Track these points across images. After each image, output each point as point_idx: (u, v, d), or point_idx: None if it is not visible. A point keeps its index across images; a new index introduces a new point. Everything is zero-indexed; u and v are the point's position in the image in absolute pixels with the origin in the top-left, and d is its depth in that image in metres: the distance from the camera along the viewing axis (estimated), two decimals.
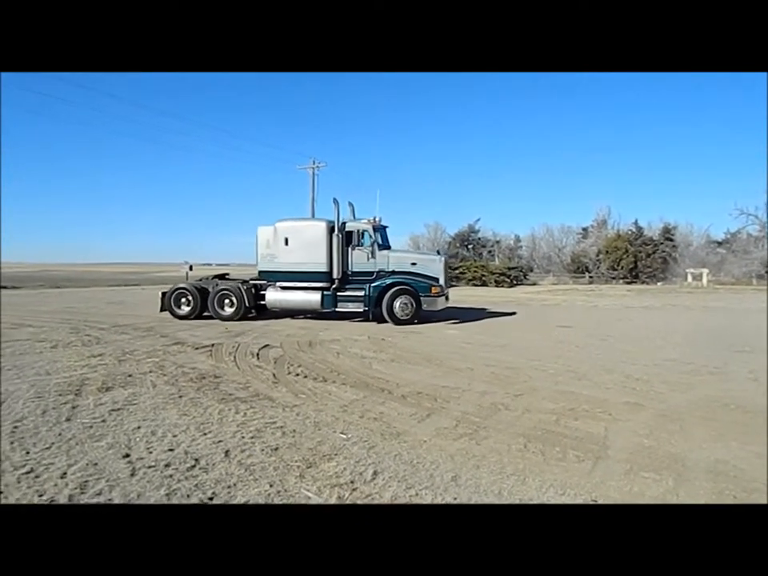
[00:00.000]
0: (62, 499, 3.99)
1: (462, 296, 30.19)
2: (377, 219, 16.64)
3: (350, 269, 16.00)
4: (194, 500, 4.02)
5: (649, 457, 5.03)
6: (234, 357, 10.00)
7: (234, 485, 4.29)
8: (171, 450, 5.08)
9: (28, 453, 4.94)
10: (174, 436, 5.47)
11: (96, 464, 4.68)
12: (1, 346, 10.84)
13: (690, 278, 48.38)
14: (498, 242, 62.11)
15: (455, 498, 4.11)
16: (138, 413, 6.24)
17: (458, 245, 60.21)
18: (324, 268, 15.82)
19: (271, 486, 4.29)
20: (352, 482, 4.39)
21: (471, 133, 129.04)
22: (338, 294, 15.87)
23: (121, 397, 6.92)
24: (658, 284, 50.03)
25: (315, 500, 4.06)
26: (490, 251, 60.28)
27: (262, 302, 16.45)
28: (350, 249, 15.95)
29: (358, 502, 4.05)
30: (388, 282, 15.69)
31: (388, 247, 16.74)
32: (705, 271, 48.39)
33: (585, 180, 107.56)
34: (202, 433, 5.58)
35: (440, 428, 5.86)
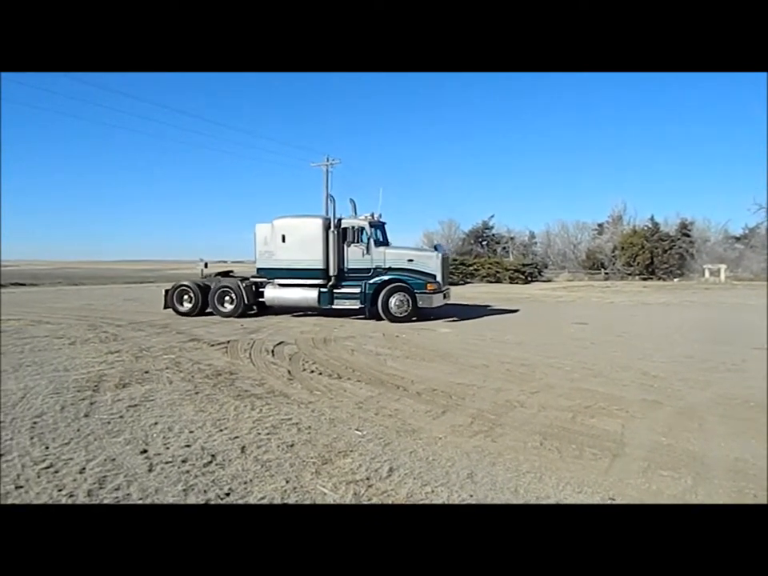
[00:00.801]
0: (81, 494, 4.03)
1: (476, 293, 30.14)
2: (375, 215, 16.59)
3: (346, 266, 15.95)
4: (211, 495, 4.04)
5: (667, 455, 4.98)
6: (250, 353, 10.05)
7: (251, 480, 4.32)
8: (188, 445, 5.12)
9: (47, 448, 5.00)
10: (191, 432, 5.51)
11: (114, 459, 4.73)
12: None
13: (707, 274, 47.86)
14: (512, 238, 61.71)
15: (471, 496, 4.10)
16: (154, 409, 6.30)
17: (472, 241, 60.01)
18: (320, 265, 15.84)
19: (287, 482, 4.30)
20: (368, 479, 4.40)
21: (485, 129, 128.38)
22: (335, 291, 15.84)
23: (138, 393, 6.99)
24: (675, 280, 49.46)
25: (331, 496, 4.06)
26: (504, 248, 59.94)
27: (262, 299, 16.56)
28: (345, 245, 15.90)
29: (374, 498, 4.05)
30: (383, 278, 15.56)
31: (386, 243, 16.61)
32: (722, 267, 47.81)
33: (600, 176, 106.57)
34: (219, 429, 5.62)
35: (455, 425, 5.85)
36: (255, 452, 4.97)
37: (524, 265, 49.80)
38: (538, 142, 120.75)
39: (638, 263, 52.90)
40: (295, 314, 17.01)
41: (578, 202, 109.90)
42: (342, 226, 15.98)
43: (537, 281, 48.45)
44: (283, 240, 16.15)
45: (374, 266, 15.80)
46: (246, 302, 16.12)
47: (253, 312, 16.77)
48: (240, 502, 3.98)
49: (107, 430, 5.52)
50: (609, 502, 4.03)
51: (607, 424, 5.89)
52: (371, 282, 15.61)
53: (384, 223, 17.03)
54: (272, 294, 16.42)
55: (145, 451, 4.94)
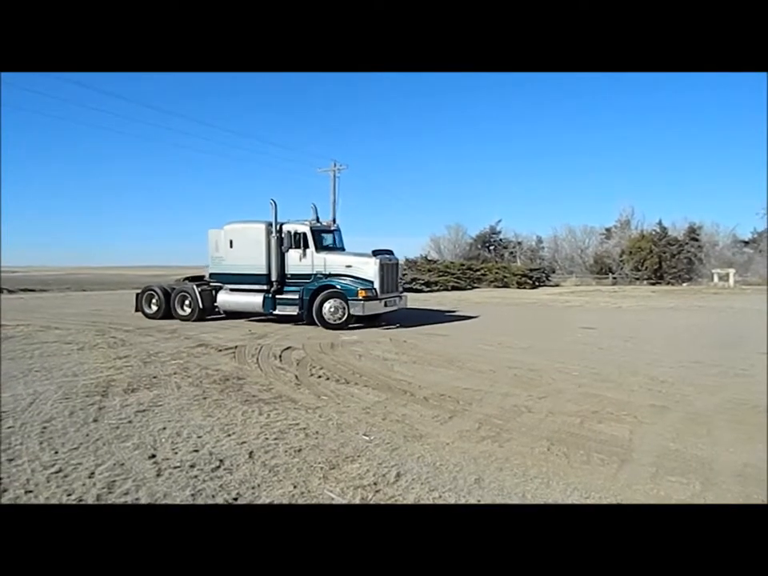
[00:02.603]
0: (90, 498, 4.06)
1: (481, 297, 30.12)
2: (324, 221, 16.63)
3: (287, 271, 15.90)
4: (219, 500, 4.06)
5: (675, 460, 4.96)
6: (257, 359, 10.08)
7: (258, 485, 4.33)
8: (196, 450, 5.14)
9: (57, 453, 5.03)
10: (199, 437, 5.53)
11: (123, 464, 4.76)
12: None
13: (716, 279, 47.49)
14: (519, 243, 61.55)
15: (478, 501, 4.10)
16: (163, 414, 6.33)
17: (479, 246, 59.93)
18: (263, 270, 15.85)
19: (295, 487, 4.31)
20: (375, 484, 4.40)
21: (491, 134, 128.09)
22: (277, 296, 15.75)
23: (146, 398, 7.02)
24: (684, 285, 49.16)
25: (339, 501, 4.07)
26: (511, 252, 59.81)
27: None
28: (283, 250, 15.80)
29: (381, 503, 4.06)
30: (319, 284, 15.32)
31: (334, 249, 16.41)
32: (731, 271, 47.43)
33: (608, 180, 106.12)
34: (227, 434, 5.64)
35: (463, 430, 5.84)
36: (263, 457, 4.99)
37: (531, 270, 49.56)
38: (545, 145, 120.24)
39: (646, 268, 52.61)
40: (250, 318, 16.73)
41: (586, 207, 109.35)
42: (283, 231, 15.85)
43: (544, 285, 48.26)
44: (231, 245, 16.29)
45: (314, 272, 15.60)
46: (201, 306, 16.29)
47: (221, 317, 16.90)
48: None
49: (116, 435, 5.55)
50: (613, 504, 4.01)
51: (615, 429, 5.87)
52: (308, 287, 15.38)
53: (334, 229, 16.85)
54: (223, 298, 16.60)
55: (153, 456, 4.97)
